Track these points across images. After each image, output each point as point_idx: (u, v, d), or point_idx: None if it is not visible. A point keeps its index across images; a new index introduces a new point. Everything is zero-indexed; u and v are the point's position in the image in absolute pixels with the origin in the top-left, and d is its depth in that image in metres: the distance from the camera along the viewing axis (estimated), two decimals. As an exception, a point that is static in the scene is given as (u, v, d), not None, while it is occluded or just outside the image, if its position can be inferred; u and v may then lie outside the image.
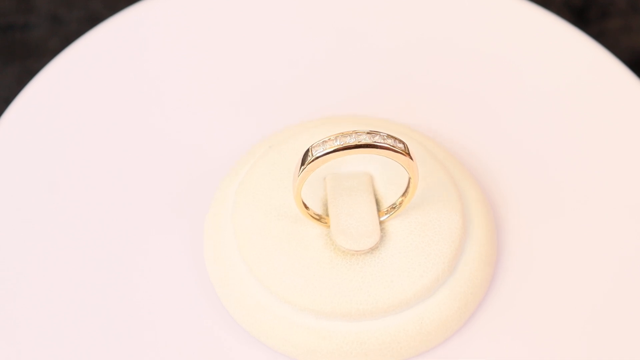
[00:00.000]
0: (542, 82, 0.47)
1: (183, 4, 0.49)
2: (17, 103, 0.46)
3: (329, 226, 0.42)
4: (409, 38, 0.48)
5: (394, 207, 0.42)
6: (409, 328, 0.41)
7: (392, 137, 0.39)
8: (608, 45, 0.54)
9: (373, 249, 0.41)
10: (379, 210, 0.42)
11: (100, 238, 0.44)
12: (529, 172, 0.45)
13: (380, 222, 0.42)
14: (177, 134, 0.46)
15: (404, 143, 0.39)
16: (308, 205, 0.42)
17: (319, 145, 0.39)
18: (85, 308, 0.42)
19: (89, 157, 0.45)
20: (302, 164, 0.39)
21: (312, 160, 0.39)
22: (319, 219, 0.41)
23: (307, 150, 0.39)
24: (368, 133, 0.39)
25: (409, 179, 0.41)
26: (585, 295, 0.43)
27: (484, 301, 0.43)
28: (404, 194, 0.41)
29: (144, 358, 0.41)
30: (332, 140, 0.39)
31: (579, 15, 0.56)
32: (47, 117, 0.46)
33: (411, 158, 0.39)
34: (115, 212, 0.44)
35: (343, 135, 0.39)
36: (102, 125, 0.46)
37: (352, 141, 0.39)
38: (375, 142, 0.39)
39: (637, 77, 0.47)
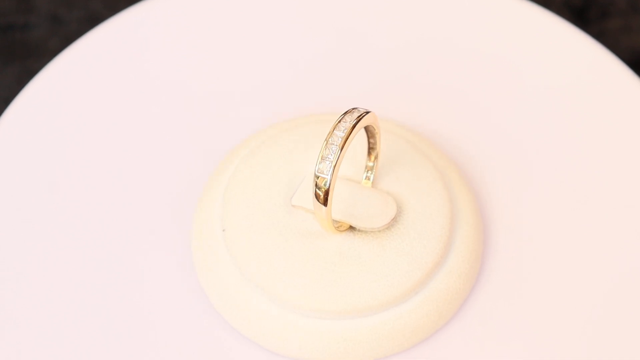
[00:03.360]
0: (542, 82, 0.47)
1: (183, 4, 0.49)
2: (17, 103, 0.46)
3: (347, 228, 0.42)
4: (409, 38, 0.48)
5: (371, 169, 0.42)
6: (414, 315, 0.41)
7: (346, 112, 0.39)
8: (608, 45, 0.54)
9: (392, 223, 0.42)
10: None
11: (100, 238, 0.44)
12: (528, 172, 0.45)
13: (376, 188, 0.42)
14: (177, 134, 0.46)
15: (354, 108, 0.40)
16: (310, 223, 0.42)
17: (321, 164, 0.39)
18: (85, 308, 0.42)
19: (89, 157, 0.45)
20: (321, 192, 0.39)
21: (330, 183, 0.39)
22: (340, 228, 0.42)
23: (316, 179, 0.39)
24: (339, 123, 0.39)
25: (372, 135, 0.41)
26: (584, 299, 0.43)
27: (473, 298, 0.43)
28: (370, 152, 0.42)
29: (144, 358, 0.41)
30: (326, 150, 0.39)
31: (579, 15, 0.56)
32: (47, 117, 0.46)
33: (369, 111, 0.40)
34: (115, 212, 0.44)
35: (331, 139, 0.39)
36: (102, 125, 0.46)
37: (341, 136, 0.39)
38: (356, 124, 0.39)
39: (637, 77, 0.47)
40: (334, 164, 0.39)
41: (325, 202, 0.39)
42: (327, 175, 0.39)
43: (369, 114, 0.39)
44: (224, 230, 0.42)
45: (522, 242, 0.44)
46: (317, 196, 0.39)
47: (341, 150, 0.39)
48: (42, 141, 0.46)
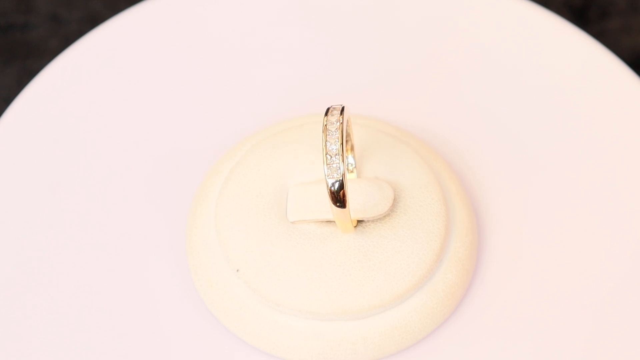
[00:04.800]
0: (542, 81, 0.47)
1: (183, 4, 0.49)
2: (17, 103, 0.46)
3: (356, 224, 0.42)
4: (409, 38, 0.48)
5: (351, 161, 0.42)
6: (445, 284, 0.42)
7: (327, 113, 0.39)
8: (608, 45, 0.54)
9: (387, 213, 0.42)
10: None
11: (101, 238, 0.44)
12: (528, 172, 0.45)
13: (365, 177, 0.43)
14: (177, 134, 0.46)
15: (331, 106, 0.40)
16: (315, 223, 0.42)
17: (329, 167, 0.39)
18: (84, 308, 0.42)
19: (89, 157, 0.45)
20: (335, 198, 0.39)
21: (344, 184, 0.39)
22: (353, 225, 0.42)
23: (328, 184, 0.39)
24: (327, 124, 0.39)
25: (346, 128, 0.41)
26: (574, 301, 0.43)
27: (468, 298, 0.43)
28: (347, 145, 0.42)
29: (143, 358, 0.41)
30: (327, 154, 0.39)
31: (579, 15, 0.56)
32: (47, 117, 0.46)
33: (343, 105, 0.40)
34: (115, 212, 0.44)
35: (328, 143, 0.39)
36: (102, 125, 0.46)
37: (336, 135, 0.39)
38: (342, 123, 0.39)
39: (637, 77, 0.47)
40: (341, 164, 0.39)
41: (343, 204, 0.39)
42: (339, 177, 0.39)
43: (344, 107, 0.40)
44: (237, 271, 0.42)
45: (518, 243, 0.44)
46: (334, 200, 0.39)
47: (342, 149, 0.39)
48: (42, 141, 0.46)
